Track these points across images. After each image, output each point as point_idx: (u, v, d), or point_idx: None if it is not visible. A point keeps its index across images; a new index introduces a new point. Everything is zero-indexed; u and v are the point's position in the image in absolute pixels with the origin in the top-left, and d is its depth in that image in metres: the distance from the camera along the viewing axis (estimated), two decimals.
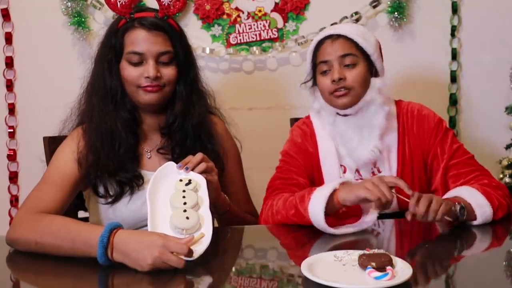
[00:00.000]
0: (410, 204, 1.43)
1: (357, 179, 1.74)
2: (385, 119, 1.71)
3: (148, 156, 1.63)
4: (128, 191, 1.55)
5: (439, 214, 1.41)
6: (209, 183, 1.45)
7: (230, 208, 1.63)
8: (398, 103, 1.80)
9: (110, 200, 1.55)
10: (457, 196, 1.53)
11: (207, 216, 1.37)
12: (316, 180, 1.76)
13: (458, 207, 1.47)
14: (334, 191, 1.51)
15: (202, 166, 1.47)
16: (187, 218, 1.32)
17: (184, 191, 1.39)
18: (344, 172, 1.75)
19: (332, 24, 2.41)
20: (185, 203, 1.36)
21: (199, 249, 1.27)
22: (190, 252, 1.23)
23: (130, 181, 1.55)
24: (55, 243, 1.31)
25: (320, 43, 1.72)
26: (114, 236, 1.25)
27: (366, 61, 1.70)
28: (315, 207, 1.49)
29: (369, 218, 1.51)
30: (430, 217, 1.42)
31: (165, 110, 1.63)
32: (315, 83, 1.77)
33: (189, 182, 1.42)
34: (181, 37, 1.62)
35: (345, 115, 1.73)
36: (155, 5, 1.61)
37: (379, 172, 1.73)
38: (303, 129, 1.81)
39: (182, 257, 1.22)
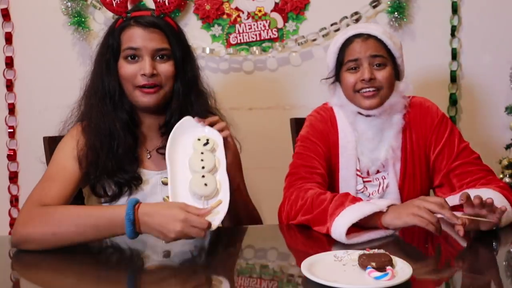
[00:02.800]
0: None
1: (365, 178, 1.75)
2: (402, 119, 1.74)
3: (148, 157, 1.63)
4: (127, 191, 1.55)
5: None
6: (226, 143, 1.49)
7: (239, 187, 1.62)
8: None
9: (108, 199, 1.55)
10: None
11: (224, 181, 1.43)
12: (331, 168, 1.74)
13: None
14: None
15: (221, 124, 1.52)
16: (206, 184, 1.39)
17: (202, 153, 1.45)
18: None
19: (332, 25, 2.42)
20: (203, 167, 1.42)
21: (217, 218, 1.35)
22: (209, 225, 1.30)
23: (129, 182, 1.55)
24: (77, 230, 1.34)
25: (349, 41, 1.71)
26: (138, 211, 1.31)
27: (392, 64, 1.72)
28: (344, 220, 1.41)
29: (388, 232, 1.45)
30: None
31: (164, 110, 1.63)
32: (336, 80, 1.77)
33: (207, 142, 1.47)
34: (179, 35, 1.62)
35: (367, 116, 1.73)
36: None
37: (384, 170, 1.74)
38: (322, 115, 1.79)
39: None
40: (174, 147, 1.47)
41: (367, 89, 1.68)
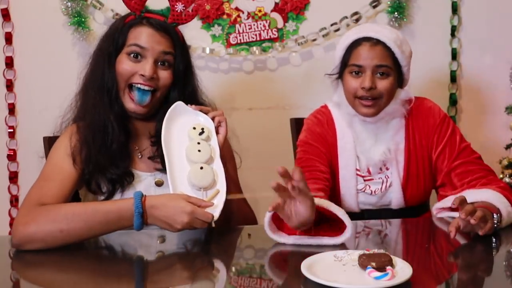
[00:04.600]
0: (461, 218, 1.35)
1: (366, 177, 1.75)
2: (398, 123, 1.74)
3: (140, 156, 1.63)
4: (119, 188, 1.55)
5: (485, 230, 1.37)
6: (220, 129, 1.55)
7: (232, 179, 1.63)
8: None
9: (102, 198, 1.55)
10: (487, 202, 1.49)
11: (220, 171, 1.47)
12: (331, 169, 1.75)
13: (496, 219, 1.43)
14: None
15: (215, 112, 1.56)
16: (204, 176, 1.44)
17: (198, 143, 1.48)
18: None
19: (332, 25, 2.42)
20: (200, 158, 1.46)
21: (217, 210, 1.40)
22: (212, 218, 1.37)
23: (121, 178, 1.55)
24: (85, 226, 1.37)
25: (357, 43, 1.68)
26: (144, 204, 1.37)
27: (396, 72, 1.70)
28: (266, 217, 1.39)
29: (332, 241, 1.36)
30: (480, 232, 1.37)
31: (154, 116, 1.62)
32: (339, 77, 1.76)
33: (203, 131, 1.50)
34: (184, 46, 1.63)
35: (363, 119, 1.74)
36: (156, 7, 1.61)
37: (387, 169, 1.75)
38: (319, 118, 1.80)
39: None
40: (169, 133, 1.50)
41: (366, 98, 1.67)
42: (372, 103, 1.67)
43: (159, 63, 1.57)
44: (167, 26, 1.58)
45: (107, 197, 1.55)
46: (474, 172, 1.67)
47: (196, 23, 2.42)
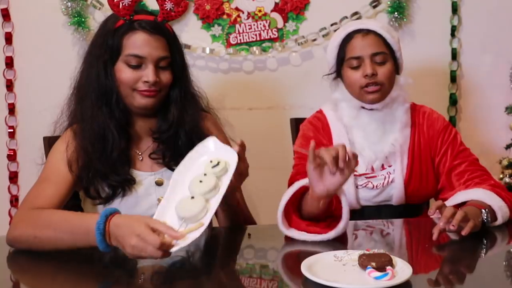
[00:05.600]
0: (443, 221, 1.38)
1: (369, 174, 1.75)
2: (405, 114, 1.77)
3: (140, 159, 1.63)
4: (120, 193, 1.55)
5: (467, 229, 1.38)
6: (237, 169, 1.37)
7: (239, 204, 1.61)
8: (411, 104, 1.84)
9: (102, 201, 1.55)
10: (477, 200, 1.54)
11: (213, 208, 1.29)
12: None
13: (485, 214, 1.48)
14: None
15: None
16: (190, 207, 1.26)
17: (205, 174, 1.33)
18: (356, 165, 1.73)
19: (332, 25, 2.42)
20: (199, 189, 1.31)
21: (180, 242, 1.20)
22: (166, 252, 1.18)
23: (122, 184, 1.55)
24: (54, 235, 1.33)
25: (349, 37, 1.74)
26: (110, 222, 1.24)
27: (392, 58, 1.75)
28: (281, 201, 1.44)
29: (333, 233, 1.41)
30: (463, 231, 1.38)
31: (156, 114, 1.62)
32: (337, 76, 1.79)
33: (217, 164, 1.35)
34: (176, 41, 1.62)
35: (370, 109, 1.76)
36: (153, 7, 1.60)
37: (389, 166, 1.76)
38: (314, 124, 1.83)
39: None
40: (188, 167, 1.39)
41: (371, 85, 1.71)
42: (377, 88, 1.71)
43: (158, 66, 1.56)
44: (159, 26, 1.56)
45: (105, 201, 1.55)
46: (471, 172, 1.71)
47: (196, 23, 2.42)
